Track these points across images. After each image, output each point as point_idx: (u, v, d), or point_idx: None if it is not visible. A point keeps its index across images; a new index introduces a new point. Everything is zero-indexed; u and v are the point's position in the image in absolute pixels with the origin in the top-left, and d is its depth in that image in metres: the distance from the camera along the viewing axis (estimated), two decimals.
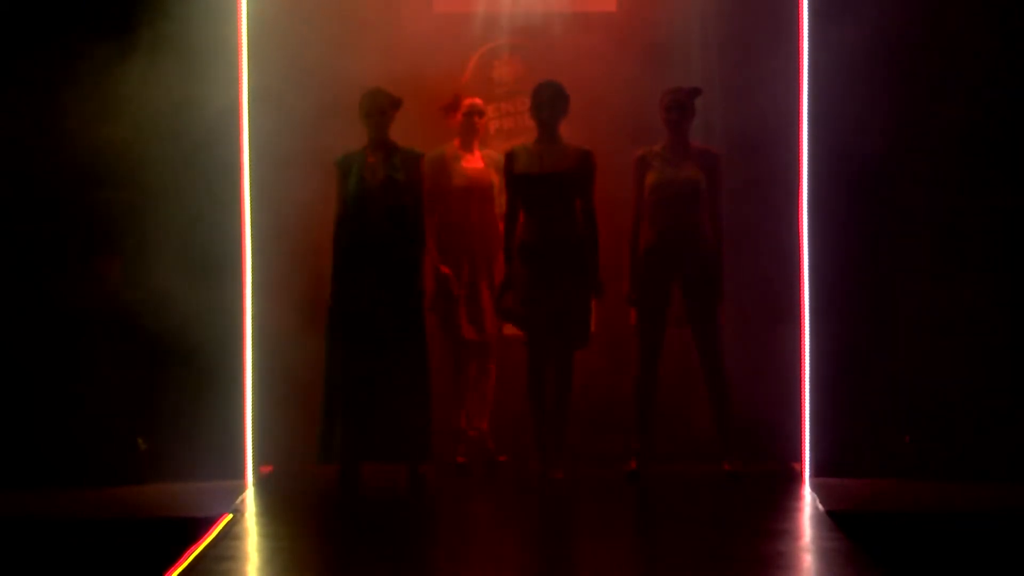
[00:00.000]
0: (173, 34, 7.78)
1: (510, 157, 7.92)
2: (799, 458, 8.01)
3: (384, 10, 8.60)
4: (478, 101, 8.35)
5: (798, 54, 8.00)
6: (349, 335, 7.92)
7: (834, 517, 6.84)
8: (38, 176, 7.92)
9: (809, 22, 7.96)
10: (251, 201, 7.98)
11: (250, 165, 7.97)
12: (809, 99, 7.97)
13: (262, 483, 7.98)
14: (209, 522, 6.76)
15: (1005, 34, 7.98)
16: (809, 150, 7.97)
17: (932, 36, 7.97)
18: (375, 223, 7.90)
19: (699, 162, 8.07)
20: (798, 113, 8.00)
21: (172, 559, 6.03)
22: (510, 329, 8.26)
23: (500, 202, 8.21)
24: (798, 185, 8.01)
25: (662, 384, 8.23)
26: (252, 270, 7.97)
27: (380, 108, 7.96)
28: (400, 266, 7.91)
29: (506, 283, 7.97)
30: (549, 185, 7.82)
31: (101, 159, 7.83)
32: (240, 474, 7.90)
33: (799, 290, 8.02)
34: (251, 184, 7.98)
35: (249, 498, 7.56)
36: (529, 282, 7.86)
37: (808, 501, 7.40)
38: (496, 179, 8.26)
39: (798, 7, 7.98)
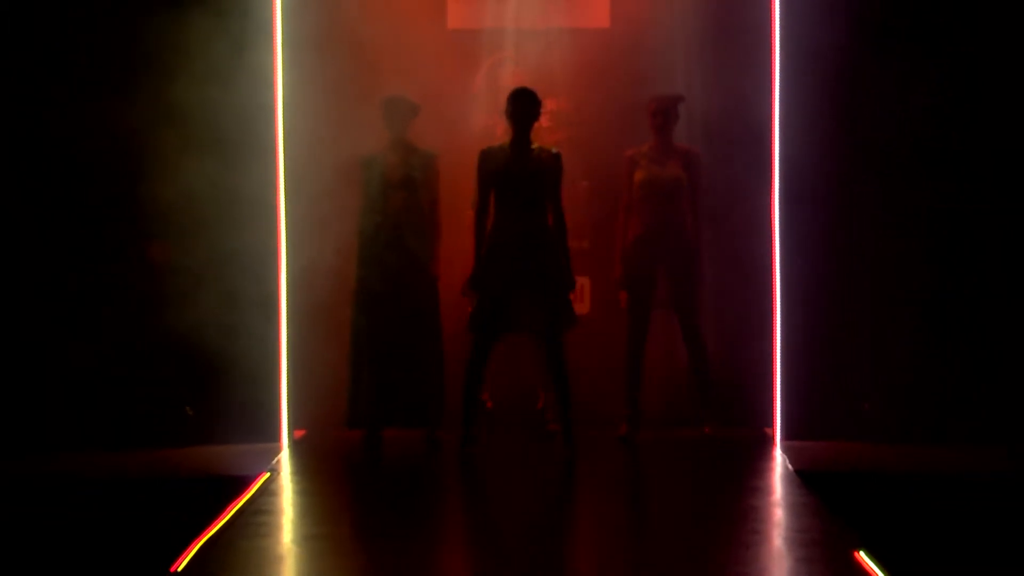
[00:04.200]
0: (211, 41, 7.74)
1: (484, 155, 7.61)
2: (771, 423, 8.03)
3: (404, 27, 8.56)
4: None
5: (770, 65, 7.99)
6: (371, 313, 7.92)
7: (802, 476, 6.85)
8: (94, 171, 7.86)
9: (780, 40, 7.93)
10: (286, 193, 7.94)
11: (284, 164, 7.92)
12: (780, 104, 7.94)
13: (296, 445, 7.99)
14: (248, 480, 6.79)
15: (964, 37, 7.90)
16: (780, 147, 7.94)
17: (894, 44, 7.93)
18: (394, 216, 7.89)
19: (682, 161, 8.09)
20: (771, 116, 7.98)
21: (216, 513, 6.05)
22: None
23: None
24: (770, 180, 7.99)
25: (650, 359, 8.27)
26: (287, 257, 7.94)
27: (400, 113, 7.96)
28: (416, 254, 7.90)
29: (475, 274, 7.66)
30: (522, 182, 7.53)
31: (148, 156, 7.74)
32: (276, 437, 7.91)
33: (771, 277, 8.00)
34: (286, 179, 7.94)
35: (284, 459, 7.56)
36: (502, 274, 7.56)
37: (779, 461, 7.39)
38: None
39: (770, 26, 7.96)
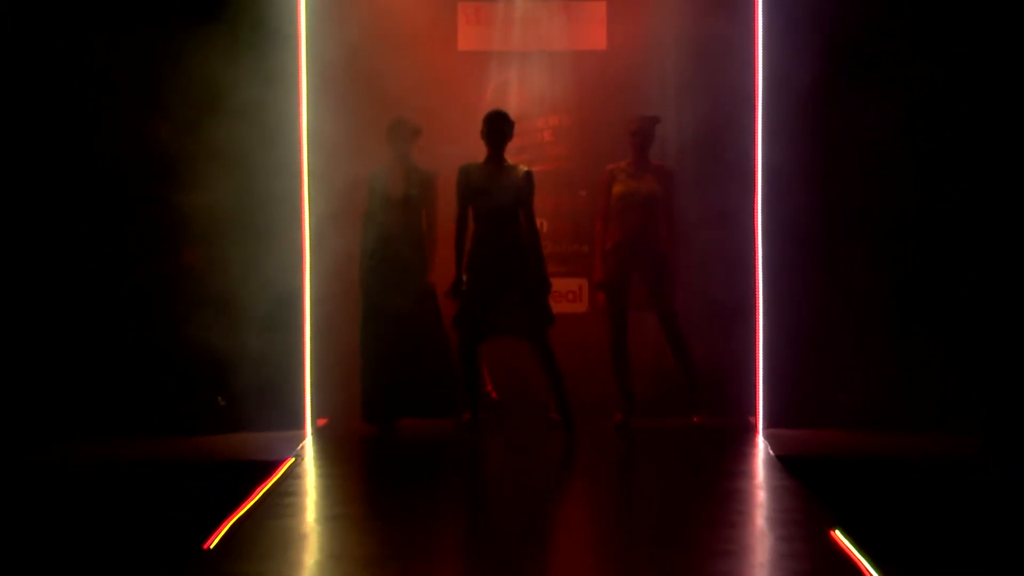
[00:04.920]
0: (239, 60, 7.78)
1: (464, 172, 7.73)
2: (754, 412, 8.10)
3: (418, 50, 8.65)
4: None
5: (754, 76, 8.02)
6: (372, 319, 8.04)
7: (783, 461, 6.93)
8: (130, 179, 7.94)
9: (763, 53, 7.99)
10: (309, 204, 7.98)
11: (308, 178, 7.96)
12: (764, 107, 7.98)
13: (319, 433, 8.04)
14: (275, 464, 6.86)
15: (945, 42, 7.92)
16: (763, 150, 7.97)
17: (878, 49, 7.94)
18: (392, 229, 7.99)
19: (657, 177, 8.20)
20: (754, 120, 8.02)
21: (246, 494, 6.10)
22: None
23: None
24: (754, 181, 8.03)
25: (643, 354, 8.38)
26: (311, 263, 8.00)
27: (402, 134, 8.05)
28: (412, 264, 8.01)
29: (456, 281, 7.76)
30: (497, 197, 7.64)
31: (181, 167, 7.81)
32: (301, 425, 7.96)
33: (754, 284, 8.06)
34: (310, 191, 7.97)
35: (308, 445, 7.61)
36: (483, 280, 7.69)
37: (761, 448, 7.44)
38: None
39: (754, 45, 8.03)
